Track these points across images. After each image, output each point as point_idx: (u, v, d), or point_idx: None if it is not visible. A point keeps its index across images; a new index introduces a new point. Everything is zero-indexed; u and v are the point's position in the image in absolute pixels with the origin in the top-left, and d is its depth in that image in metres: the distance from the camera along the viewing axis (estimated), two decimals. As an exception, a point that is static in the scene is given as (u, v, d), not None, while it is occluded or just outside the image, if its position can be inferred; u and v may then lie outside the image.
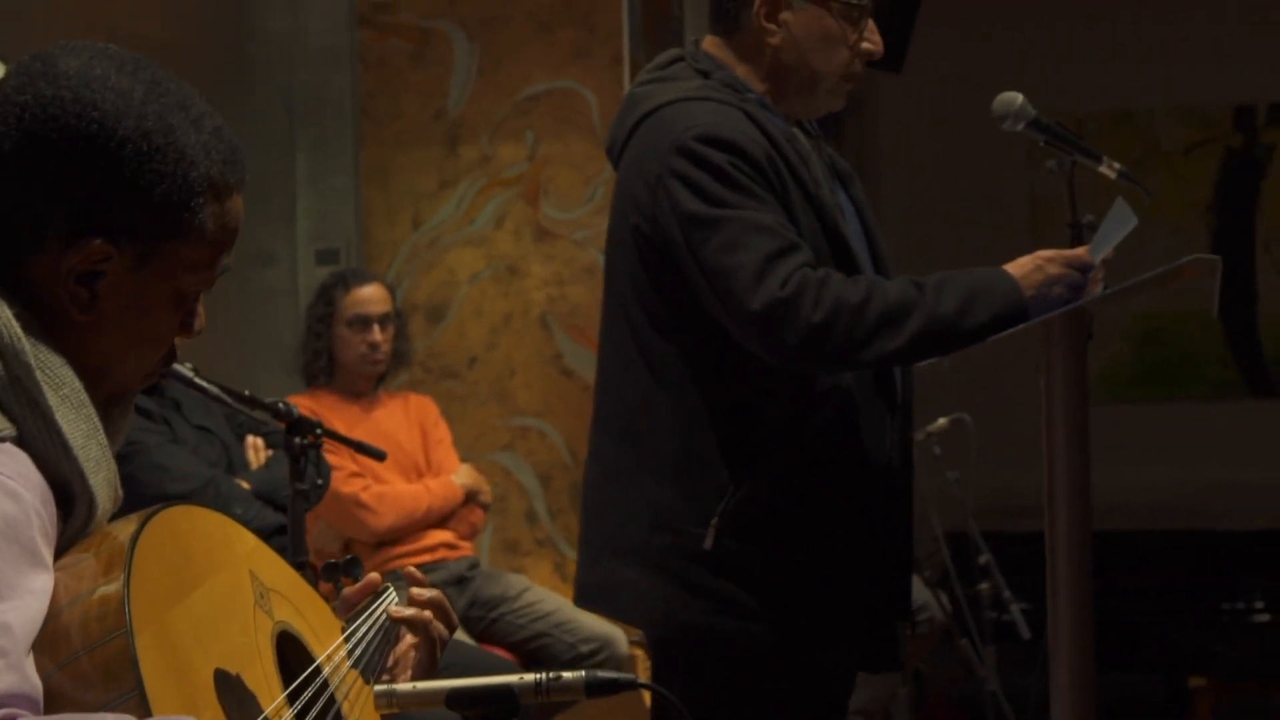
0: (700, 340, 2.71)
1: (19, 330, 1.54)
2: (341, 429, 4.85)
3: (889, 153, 9.12)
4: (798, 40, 2.83)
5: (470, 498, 5.00)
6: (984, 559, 5.05)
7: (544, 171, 5.77)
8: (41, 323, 1.57)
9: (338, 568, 2.00)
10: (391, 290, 5.08)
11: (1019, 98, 3.06)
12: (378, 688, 1.61)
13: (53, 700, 1.39)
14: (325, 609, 1.85)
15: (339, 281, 4.97)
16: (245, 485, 4.08)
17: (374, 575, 1.94)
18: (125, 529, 1.52)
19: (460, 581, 4.90)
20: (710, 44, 2.90)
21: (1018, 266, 2.79)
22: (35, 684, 1.37)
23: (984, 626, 5.00)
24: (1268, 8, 8.63)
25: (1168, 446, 8.65)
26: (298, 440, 3.37)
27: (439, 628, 1.87)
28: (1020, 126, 3.04)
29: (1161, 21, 8.73)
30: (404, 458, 4.95)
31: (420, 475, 4.99)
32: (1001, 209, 8.75)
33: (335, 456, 4.46)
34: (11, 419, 1.52)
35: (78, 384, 1.57)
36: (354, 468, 4.74)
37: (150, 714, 1.37)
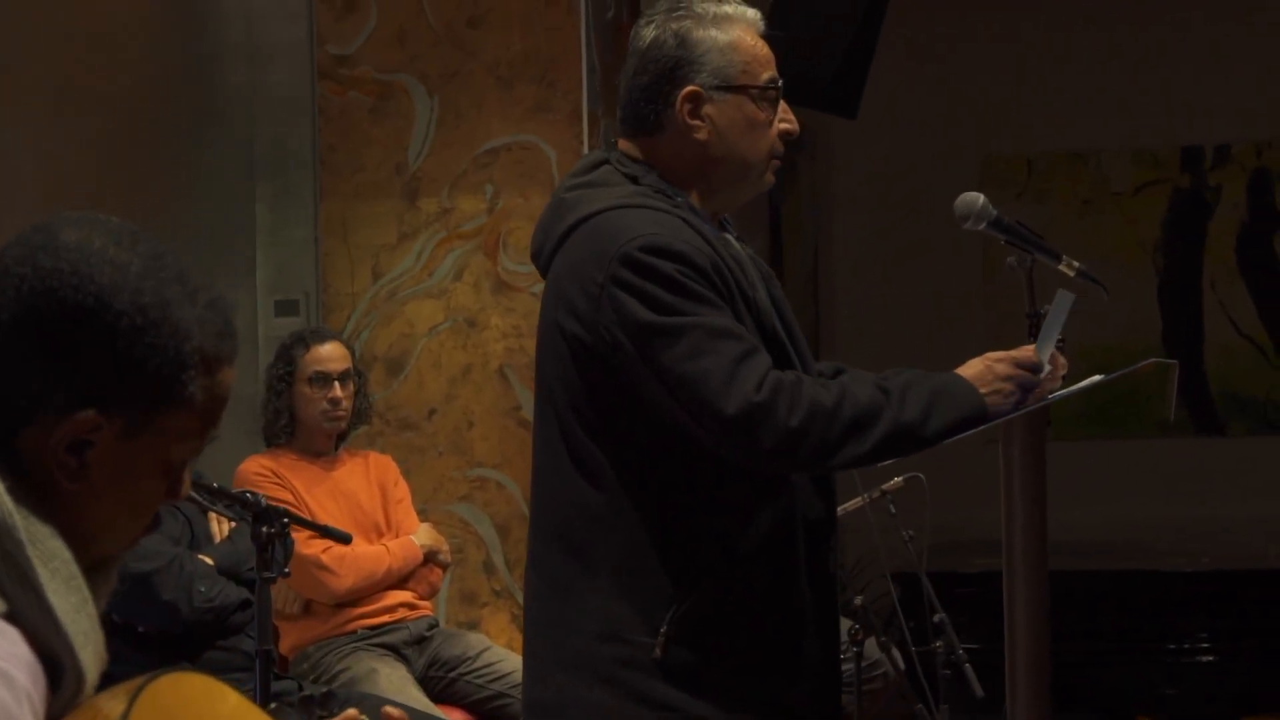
0: (638, 449, 2.69)
1: (11, 505, 1.56)
2: (302, 489, 4.88)
3: (842, 197, 9.19)
4: (723, 132, 2.81)
5: (430, 557, 5.03)
6: (938, 617, 5.09)
7: (503, 225, 5.81)
8: (30, 492, 1.59)
9: (314, 701, 2.03)
10: (351, 348, 5.11)
11: (980, 198, 3.10)
12: None
13: None
14: (308, 757, 1.88)
15: (298, 341, 4.99)
16: (209, 561, 4.10)
17: (351, 711, 1.97)
18: (114, 708, 1.54)
19: (420, 641, 4.92)
20: (628, 146, 2.87)
21: (968, 369, 2.81)
22: None
23: (938, 685, 5.05)
24: (1215, 51, 8.74)
25: (1114, 485, 8.74)
26: (265, 529, 3.39)
27: None
28: (982, 226, 3.09)
29: (1111, 64, 8.83)
30: (364, 518, 4.97)
31: (380, 535, 5.02)
32: (954, 250, 8.81)
33: (299, 525, 4.49)
34: (2, 594, 1.54)
35: (68, 555, 1.59)
36: (314, 529, 4.76)
37: None
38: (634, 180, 2.81)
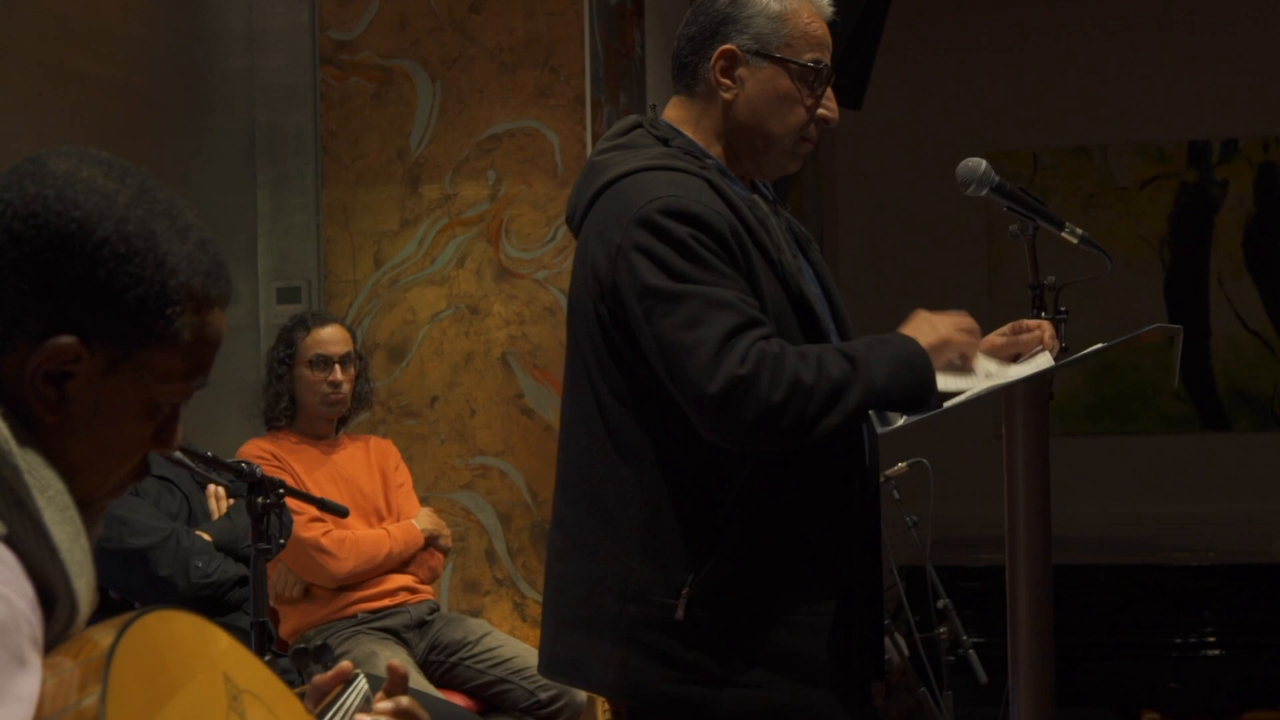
0: (663, 412, 2.69)
1: (6, 431, 1.54)
2: (302, 472, 4.86)
3: (845, 193, 9.17)
4: (751, 99, 2.83)
5: (430, 542, 5.00)
6: (942, 603, 5.07)
7: (506, 211, 5.78)
8: (14, 422, 1.58)
9: (307, 654, 2.01)
10: (352, 332, 5.08)
11: (983, 164, 3.07)
12: None
13: None
14: (297, 705, 1.85)
15: (299, 324, 4.97)
16: (206, 537, 4.07)
17: (345, 664, 1.95)
18: (104, 638, 1.52)
19: (420, 626, 4.90)
20: (672, 105, 2.90)
21: (913, 329, 2.78)
22: None
23: (941, 670, 5.02)
24: (1222, 46, 8.73)
25: (1121, 480, 8.72)
26: (260, 500, 3.36)
27: None
28: (984, 192, 3.07)
29: (1117, 59, 8.81)
30: (364, 501, 4.95)
31: (381, 519, 4.99)
32: (959, 244, 8.80)
33: (296, 500, 4.47)
34: (0, 518, 1.52)
35: (61, 486, 1.57)
36: (315, 512, 4.73)
37: None
38: (664, 142, 2.83)
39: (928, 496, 5.06)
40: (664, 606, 2.68)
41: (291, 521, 4.07)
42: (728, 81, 2.83)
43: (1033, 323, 3.06)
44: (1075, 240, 3.11)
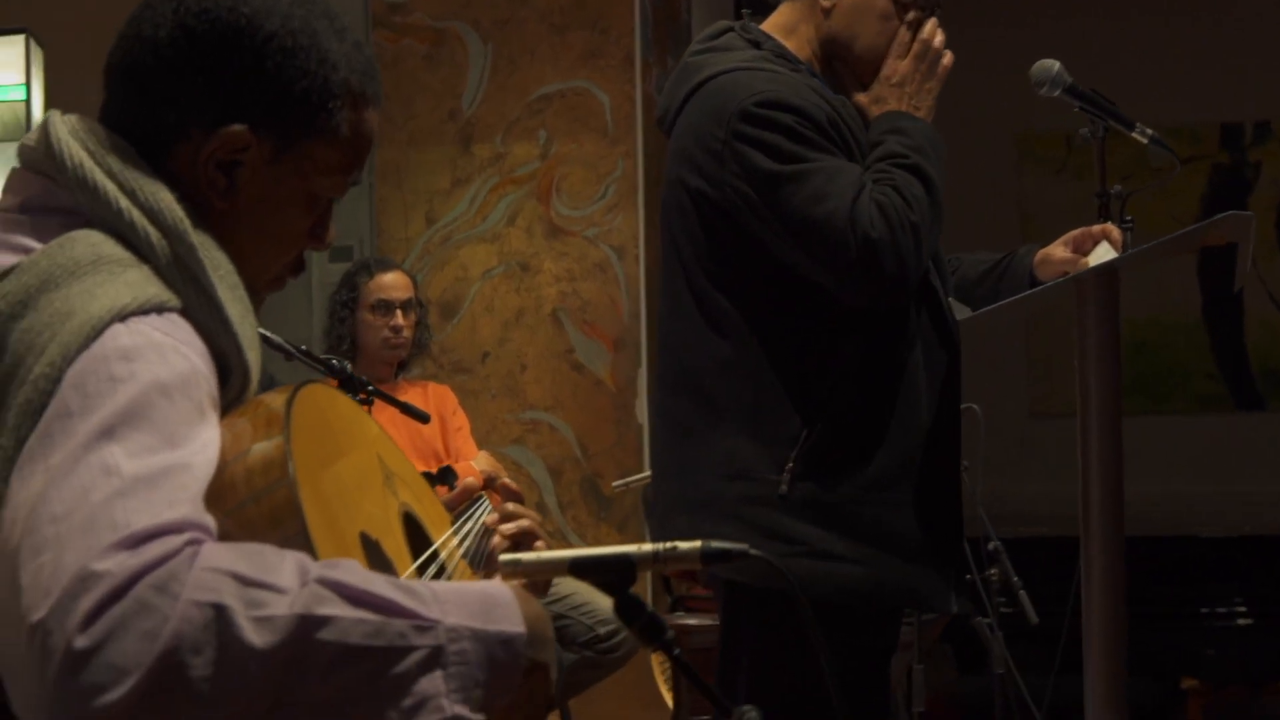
0: (765, 295, 2.78)
1: (181, 213, 1.62)
2: (363, 415, 4.93)
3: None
4: (848, 10, 2.91)
5: (489, 483, 5.06)
6: (993, 545, 5.11)
7: (556, 170, 5.86)
8: (189, 208, 1.66)
9: (433, 478, 2.09)
10: (413, 278, 5.16)
11: (1056, 64, 3.18)
12: (504, 556, 1.68)
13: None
14: (436, 501, 1.93)
15: (362, 269, 5.05)
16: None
17: (470, 480, 2.03)
18: (277, 398, 1.60)
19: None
20: (778, 11, 2.98)
21: (907, 101, 2.93)
22: (210, 520, 1.44)
23: (994, 611, 5.07)
24: (1255, 28, 8.79)
25: (1155, 460, 8.75)
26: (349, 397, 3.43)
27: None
28: (1057, 92, 3.17)
29: (1150, 41, 8.87)
30: (423, 444, 5.01)
31: (439, 462, 5.05)
32: (989, 228, 8.84)
33: (381, 400, 4.52)
34: (175, 293, 1.59)
35: (230, 266, 1.65)
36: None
37: (314, 557, 1.45)
38: (756, 45, 2.92)
39: (978, 442, 5.10)
40: (768, 483, 2.74)
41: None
42: None
43: (1097, 228, 3.15)
44: (1145, 140, 3.20)
